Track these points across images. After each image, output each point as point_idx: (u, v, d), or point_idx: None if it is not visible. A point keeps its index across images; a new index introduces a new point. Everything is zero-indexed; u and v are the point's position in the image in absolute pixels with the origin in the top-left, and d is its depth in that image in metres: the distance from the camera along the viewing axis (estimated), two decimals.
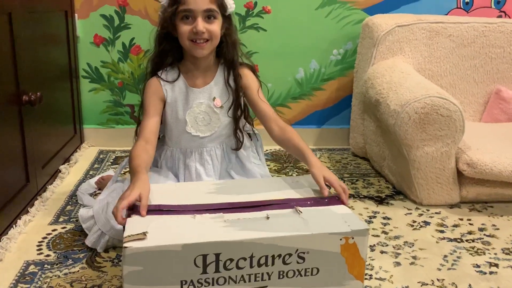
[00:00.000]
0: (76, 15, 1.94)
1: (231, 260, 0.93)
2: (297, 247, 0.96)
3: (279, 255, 0.96)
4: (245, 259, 0.94)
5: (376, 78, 1.77)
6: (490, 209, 1.58)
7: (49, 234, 1.33)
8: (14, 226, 1.32)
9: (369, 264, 1.23)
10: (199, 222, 0.99)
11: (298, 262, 0.96)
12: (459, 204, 1.61)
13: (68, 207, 1.50)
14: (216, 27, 1.26)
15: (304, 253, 0.97)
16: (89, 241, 1.25)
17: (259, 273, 0.95)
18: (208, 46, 1.27)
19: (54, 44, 1.77)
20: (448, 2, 2.12)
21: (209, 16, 1.24)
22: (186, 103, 1.33)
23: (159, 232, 0.94)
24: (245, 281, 0.95)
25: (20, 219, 1.36)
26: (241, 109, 1.38)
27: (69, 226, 1.37)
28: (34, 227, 1.36)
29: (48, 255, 1.22)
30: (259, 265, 0.95)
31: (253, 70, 1.40)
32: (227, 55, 1.33)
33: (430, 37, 1.91)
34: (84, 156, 1.94)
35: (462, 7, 2.14)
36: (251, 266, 0.94)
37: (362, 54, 1.96)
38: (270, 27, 2.07)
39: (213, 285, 0.94)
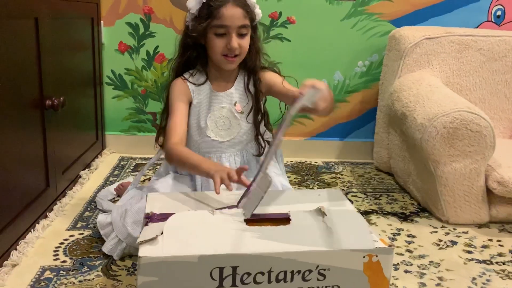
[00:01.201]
0: (102, 22, 1.96)
1: (249, 274, 0.89)
2: (318, 263, 0.92)
3: (299, 271, 0.92)
4: (263, 273, 0.90)
5: (402, 91, 1.72)
6: None
7: (66, 239, 1.32)
8: (32, 230, 1.31)
9: (393, 283, 1.18)
10: (217, 221, 0.95)
11: (318, 279, 0.92)
12: (488, 224, 1.54)
13: (87, 213, 1.49)
14: (247, 42, 1.26)
15: (325, 269, 0.93)
16: (106, 248, 1.24)
17: None
18: (238, 60, 1.27)
19: (79, 50, 1.78)
20: (478, 15, 2.06)
21: (242, 32, 1.23)
22: (209, 106, 1.32)
23: (175, 235, 0.91)
24: None
25: (38, 223, 1.35)
26: (261, 114, 1.36)
27: (87, 233, 1.36)
28: (52, 232, 1.35)
29: (64, 261, 1.21)
30: (278, 280, 0.91)
31: (276, 72, 1.38)
32: (250, 62, 1.32)
33: (459, 50, 1.85)
34: (105, 163, 1.95)
35: (493, 20, 2.08)
36: (269, 282, 0.90)
37: (388, 66, 1.92)
38: (294, 37, 2.05)
39: None
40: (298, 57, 2.07)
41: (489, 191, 1.50)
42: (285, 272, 0.91)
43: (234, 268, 0.89)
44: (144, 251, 0.87)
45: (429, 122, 1.46)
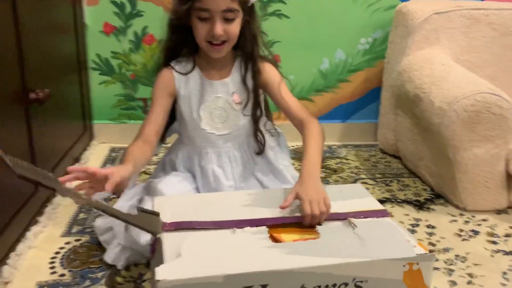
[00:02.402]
0: (84, 1, 1.78)
1: None
2: (355, 275, 0.84)
3: (334, 285, 0.83)
4: None
5: (413, 71, 1.62)
6: None
7: (62, 248, 1.19)
8: (22, 240, 1.19)
9: None
10: (240, 240, 0.87)
11: None
12: (506, 209, 1.48)
13: (81, 215, 1.36)
14: (235, 28, 1.13)
15: (362, 281, 0.84)
16: (108, 257, 1.12)
17: None
18: (226, 47, 1.15)
19: (60, 33, 1.61)
20: None
21: (228, 16, 1.10)
22: (201, 96, 1.21)
23: (195, 256, 0.81)
24: None
25: (29, 230, 1.22)
26: (260, 109, 1.25)
27: (84, 238, 1.24)
28: (45, 239, 1.23)
29: (62, 275, 1.09)
30: None
31: (274, 63, 1.27)
32: (246, 49, 1.19)
33: (469, 25, 1.75)
34: (95, 155, 1.80)
35: None
36: None
37: (395, 43, 1.81)
38: (293, 14, 1.91)
39: None
40: (298, 35, 1.94)
41: (508, 176, 1.43)
42: (319, 287, 0.82)
43: (264, 287, 0.80)
44: (162, 274, 0.77)
45: (448, 105, 1.37)
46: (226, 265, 0.80)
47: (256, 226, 0.92)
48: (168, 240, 0.87)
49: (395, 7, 1.84)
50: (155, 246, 0.91)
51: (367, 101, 2.07)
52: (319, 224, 0.95)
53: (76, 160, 1.69)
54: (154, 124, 1.18)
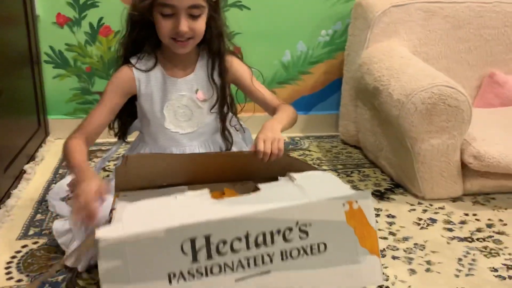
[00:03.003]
0: None
1: (224, 242, 0.81)
2: (297, 219, 0.85)
3: (278, 231, 0.84)
4: (240, 239, 0.81)
5: (373, 63, 1.64)
6: (493, 202, 1.51)
7: (18, 252, 1.15)
8: None
9: (383, 273, 1.13)
10: (182, 202, 0.87)
11: (301, 238, 0.85)
12: (461, 197, 1.54)
13: (38, 216, 1.31)
14: (201, 24, 1.09)
15: (306, 225, 0.85)
16: (68, 261, 1.08)
17: (258, 255, 0.83)
18: (191, 44, 1.12)
19: (9, 25, 1.53)
20: None
21: (193, 12, 1.06)
22: (164, 95, 1.17)
23: (137, 218, 0.81)
24: (243, 268, 0.82)
25: None
26: (227, 106, 1.23)
27: (42, 241, 1.20)
28: (0, 243, 1.17)
29: (19, 280, 1.05)
30: (257, 245, 0.83)
31: (240, 57, 1.26)
32: (212, 46, 1.16)
33: (426, 18, 1.79)
34: (51, 152, 1.74)
35: None
36: (248, 247, 0.82)
37: (355, 35, 1.83)
38: (254, 5, 1.90)
39: (207, 275, 0.81)
40: (259, 27, 1.92)
41: (463, 165, 1.48)
42: (264, 234, 0.83)
43: (207, 238, 0.80)
44: (102, 233, 0.75)
45: (406, 98, 1.40)
46: (168, 220, 0.79)
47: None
48: (117, 214, 0.85)
49: None
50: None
51: (328, 93, 2.09)
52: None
53: (31, 157, 1.63)
54: (98, 123, 1.13)
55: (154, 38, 1.15)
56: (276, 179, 1.01)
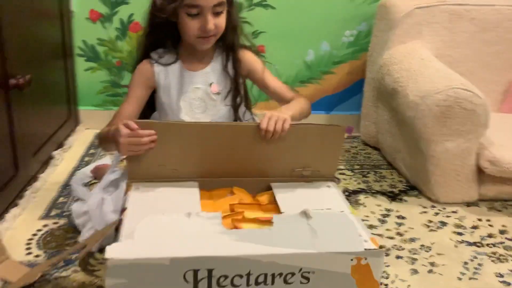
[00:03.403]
0: None
1: (226, 277, 0.83)
2: (301, 266, 0.86)
3: (280, 274, 0.86)
4: (241, 276, 0.84)
5: (393, 64, 1.64)
6: (511, 208, 1.49)
7: (39, 230, 1.23)
8: (1, 221, 1.22)
9: (384, 271, 1.15)
10: (193, 224, 0.89)
11: (301, 283, 0.86)
12: (477, 202, 1.52)
13: (61, 199, 1.40)
14: (223, 20, 1.16)
15: (309, 272, 0.87)
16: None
17: None
18: (214, 39, 1.18)
19: (45, 19, 1.63)
20: None
21: (217, 10, 1.12)
22: (180, 87, 1.23)
23: (146, 238, 0.85)
24: None
25: (8, 212, 1.26)
26: (240, 96, 1.28)
27: (62, 222, 1.28)
28: (24, 222, 1.26)
29: (37, 256, 1.13)
30: (257, 283, 0.85)
31: (255, 51, 1.30)
32: (227, 39, 1.22)
33: (451, 20, 1.77)
34: (79, 140, 1.84)
35: None
36: (248, 285, 0.85)
37: (378, 36, 1.83)
38: (279, 4, 1.93)
39: None
40: (283, 26, 1.95)
41: (479, 170, 1.46)
42: (265, 275, 0.85)
43: (210, 271, 0.83)
44: (111, 253, 0.80)
45: (421, 99, 1.40)
46: (175, 248, 0.83)
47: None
48: (128, 221, 0.90)
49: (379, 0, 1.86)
50: (119, 227, 0.95)
51: (351, 93, 2.09)
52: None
53: (60, 145, 1.72)
54: (128, 115, 1.19)
55: (174, 36, 1.21)
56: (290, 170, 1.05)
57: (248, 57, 1.27)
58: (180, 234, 0.87)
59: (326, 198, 1.06)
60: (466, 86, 1.38)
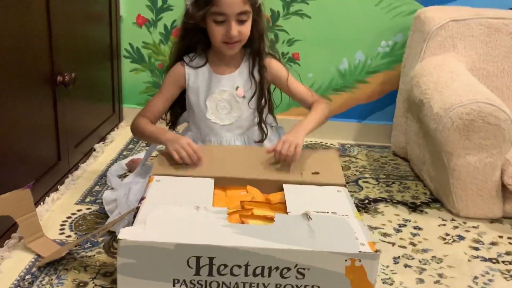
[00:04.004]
0: None
1: (225, 265, 0.90)
2: (296, 262, 0.91)
3: (277, 268, 0.91)
4: (240, 266, 0.91)
5: (422, 76, 1.65)
6: None
7: (73, 214, 1.36)
8: (42, 203, 1.36)
9: (389, 278, 1.17)
10: (200, 217, 0.97)
11: (297, 278, 0.92)
12: (501, 219, 1.49)
13: (97, 188, 1.53)
14: (248, 28, 1.25)
15: (304, 269, 0.92)
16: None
17: (254, 283, 0.92)
18: (238, 45, 1.27)
19: (95, 22, 1.78)
20: None
21: (242, 18, 1.21)
22: (208, 88, 1.33)
23: (157, 225, 0.93)
24: None
25: (48, 196, 1.40)
26: (265, 99, 1.36)
27: (94, 208, 1.40)
28: (61, 205, 1.40)
29: (69, 236, 1.25)
30: (255, 274, 0.91)
31: (278, 59, 1.39)
32: (253, 46, 1.31)
33: (489, 34, 1.75)
34: (121, 135, 1.98)
35: None
36: (246, 275, 0.91)
37: (412, 48, 1.83)
38: (315, 14, 1.98)
39: (206, 287, 0.92)
40: (319, 35, 2.00)
41: (504, 186, 1.44)
42: (263, 267, 0.91)
43: (211, 259, 0.90)
44: (123, 234, 0.89)
45: (444, 112, 1.40)
46: (180, 235, 0.91)
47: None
48: (144, 209, 0.99)
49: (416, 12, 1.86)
50: (136, 214, 1.04)
51: (384, 103, 2.10)
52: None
53: (103, 138, 1.87)
54: (158, 109, 1.34)
55: (204, 41, 1.31)
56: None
57: (273, 64, 1.35)
58: (187, 224, 0.95)
59: (334, 202, 1.11)
60: (491, 101, 1.37)
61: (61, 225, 1.30)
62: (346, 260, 0.91)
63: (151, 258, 0.91)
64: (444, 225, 1.45)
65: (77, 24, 1.59)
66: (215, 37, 1.25)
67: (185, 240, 0.90)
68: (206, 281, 0.92)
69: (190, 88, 1.34)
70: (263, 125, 1.37)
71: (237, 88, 1.33)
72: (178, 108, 1.43)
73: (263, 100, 1.35)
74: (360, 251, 0.90)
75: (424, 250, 1.30)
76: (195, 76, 1.33)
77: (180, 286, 0.92)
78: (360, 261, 0.91)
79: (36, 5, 1.30)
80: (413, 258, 1.26)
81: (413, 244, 1.33)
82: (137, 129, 1.31)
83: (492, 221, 1.48)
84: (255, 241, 0.91)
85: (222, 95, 1.33)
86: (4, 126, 1.16)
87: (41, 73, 1.35)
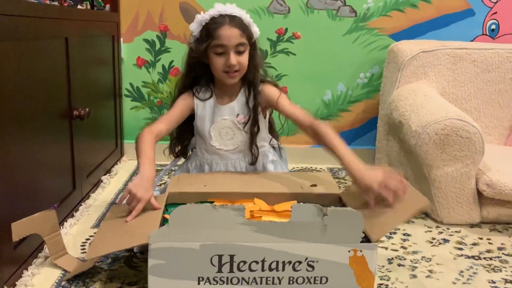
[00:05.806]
0: (121, 39, 2.13)
1: (244, 262, 1.03)
2: (307, 255, 1.04)
3: (289, 262, 1.04)
4: (257, 262, 1.03)
5: (400, 101, 1.84)
6: None
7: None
8: (61, 227, 1.46)
9: (386, 275, 1.30)
10: (219, 216, 1.03)
11: (307, 270, 1.04)
12: (480, 224, 1.65)
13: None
14: (245, 58, 1.39)
15: (313, 261, 1.05)
16: (136, 248, 1.37)
17: (270, 277, 1.04)
18: (238, 75, 1.41)
19: (101, 65, 1.94)
20: (474, 29, 2.19)
21: (239, 49, 1.37)
22: (212, 118, 1.47)
23: (180, 226, 1.02)
24: (257, 283, 1.05)
25: (66, 221, 1.50)
26: (258, 126, 1.47)
27: None
28: (78, 229, 1.50)
29: None
30: (270, 269, 1.04)
31: (275, 84, 1.50)
32: (249, 76, 1.45)
33: (454, 62, 1.98)
34: (124, 169, 2.10)
35: (487, 34, 2.20)
36: (263, 270, 1.04)
37: (388, 77, 2.05)
38: (299, 51, 2.19)
39: (227, 283, 1.04)
40: (303, 70, 2.21)
41: (480, 193, 1.61)
42: (277, 262, 1.04)
43: (232, 256, 1.03)
44: (153, 239, 1.01)
45: (422, 129, 1.58)
46: (203, 236, 1.02)
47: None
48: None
49: (389, 46, 2.09)
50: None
51: (366, 129, 2.29)
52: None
53: (108, 171, 1.98)
54: (170, 123, 1.44)
55: (208, 76, 1.47)
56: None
57: (266, 89, 1.47)
58: (208, 223, 1.04)
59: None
60: (462, 117, 1.56)
61: (82, 245, 1.40)
62: (349, 251, 1.05)
63: (178, 258, 1.02)
64: (430, 231, 1.60)
65: (89, 66, 1.75)
66: (216, 67, 1.39)
67: (209, 240, 1.02)
68: (227, 278, 1.04)
69: (198, 118, 1.48)
70: (254, 149, 1.48)
71: (237, 115, 1.48)
72: (188, 136, 1.55)
73: (256, 127, 1.47)
74: (361, 244, 1.04)
75: (414, 252, 1.44)
76: (202, 107, 1.47)
77: (205, 283, 1.04)
78: (361, 251, 1.05)
79: (57, 53, 1.45)
80: (405, 259, 1.40)
81: (404, 248, 1.47)
82: (136, 140, 1.37)
83: (472, 226, 1.64)
84: (270, 239, 1.04)
85: (224, 123, 1.47)
86: (29, 159, 1.27)
87: (61, 108, 1.49)
